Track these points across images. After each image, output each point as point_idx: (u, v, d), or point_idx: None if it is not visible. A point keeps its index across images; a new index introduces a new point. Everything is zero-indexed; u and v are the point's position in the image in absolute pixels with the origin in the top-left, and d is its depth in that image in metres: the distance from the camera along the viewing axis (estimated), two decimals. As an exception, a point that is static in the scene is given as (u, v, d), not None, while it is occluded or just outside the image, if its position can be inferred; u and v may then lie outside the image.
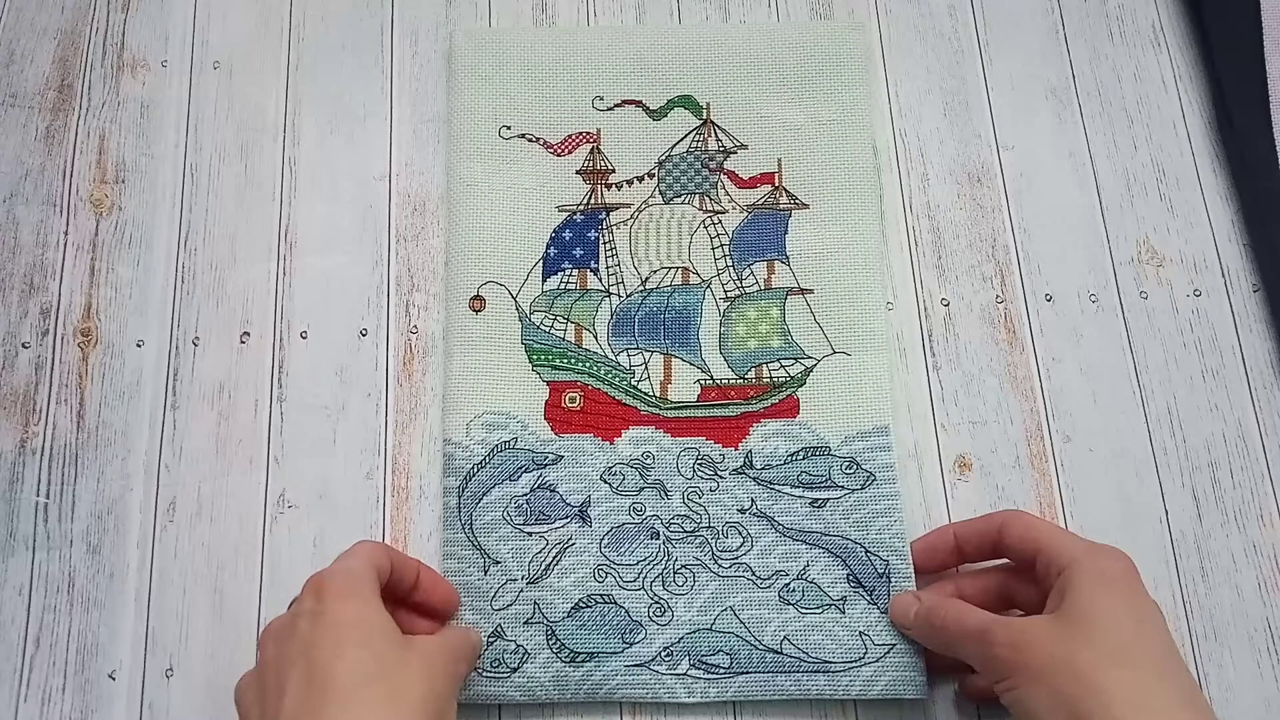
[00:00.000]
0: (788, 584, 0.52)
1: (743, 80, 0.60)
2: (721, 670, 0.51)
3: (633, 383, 0.56)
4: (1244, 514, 0.55)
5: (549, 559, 0.52)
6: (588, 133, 0.59)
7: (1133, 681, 0.41)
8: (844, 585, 0.52)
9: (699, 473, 0.54)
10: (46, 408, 0.55)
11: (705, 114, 0.60)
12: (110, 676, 0.51)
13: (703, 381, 0.56)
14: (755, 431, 0.55)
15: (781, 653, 0.51)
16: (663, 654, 0.51)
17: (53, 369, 0.56)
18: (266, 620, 0.50)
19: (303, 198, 0.60)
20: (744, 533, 0.53)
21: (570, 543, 0.53)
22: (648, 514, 0.53)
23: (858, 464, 0.54)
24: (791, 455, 0.54)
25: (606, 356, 0.56)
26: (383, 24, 0.64)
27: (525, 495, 0.53)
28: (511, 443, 0.54)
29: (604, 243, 0.58)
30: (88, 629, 0.52)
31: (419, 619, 0.50)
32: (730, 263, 0.58)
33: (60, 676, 0.51)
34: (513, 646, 0.51)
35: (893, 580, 0.52)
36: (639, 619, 0.51)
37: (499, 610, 0.51)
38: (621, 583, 0.52)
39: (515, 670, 0.50)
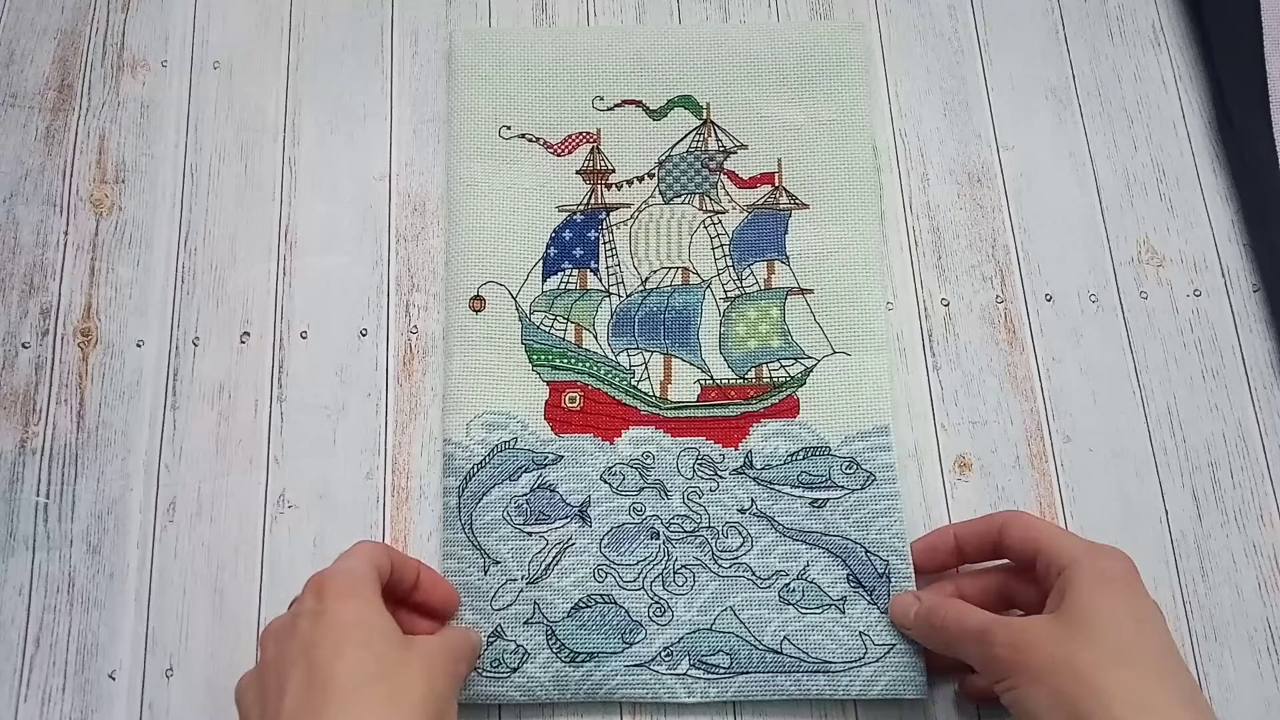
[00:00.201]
0: (788, 584, 0.52)
1: (743, 80, 0.60)
2: (721, 670, 0.51)
3: (633, 383, 0.56)
4: (1244, 514, 0.55)
5: (549, 559, 0.52)
6: (588, 133, 0.59)
7: (1133, 681, 0.41)
8: (844, 585, 0.52)
9: (699, 473, 0.54)
10: (46, 408, 0.55)
11: (705, 114, 0.60)
12: (110, 676, 0.51)
13: (703, 381, 0.56)
14: (755, 431, 0.55)
15: (781, 653, 0.51)
16: (663, 654, 0.51)
17: (53, 369, 0.56)
18: (266, 620, 0.50)
19: (303, 198, 0.60)
20: (744, 533, 0.53)
21: (570, 543, 0.53)
22: (648, 514, 0.53)
23: (858, 464, 0.54)
24: (791, 455, 0.54)
25: (606, 356, 0.56)
26: (383, 24, 0.64)
27: (525, 495, 0.53)
28: (511, 443, 0.54)
29: (604, 243, 0.58)
30: (88, 629, 0.52)
31: (419, 619, 0.50)
32: (730, 263, 0.58)
33: (60, 676, 0.51)
34: (513, 646, 0.51)
35: (893, 580, 0.52)
36: (639, 619, 0.51)
37: (499, 610, 0.51)
38: (621, 583, 0.52)
39: (515, 670, 0.50)
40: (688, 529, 0.53)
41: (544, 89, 0.60)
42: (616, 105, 0.60)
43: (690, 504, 0.53)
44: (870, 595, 0.52)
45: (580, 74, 0.60)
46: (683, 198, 0.59)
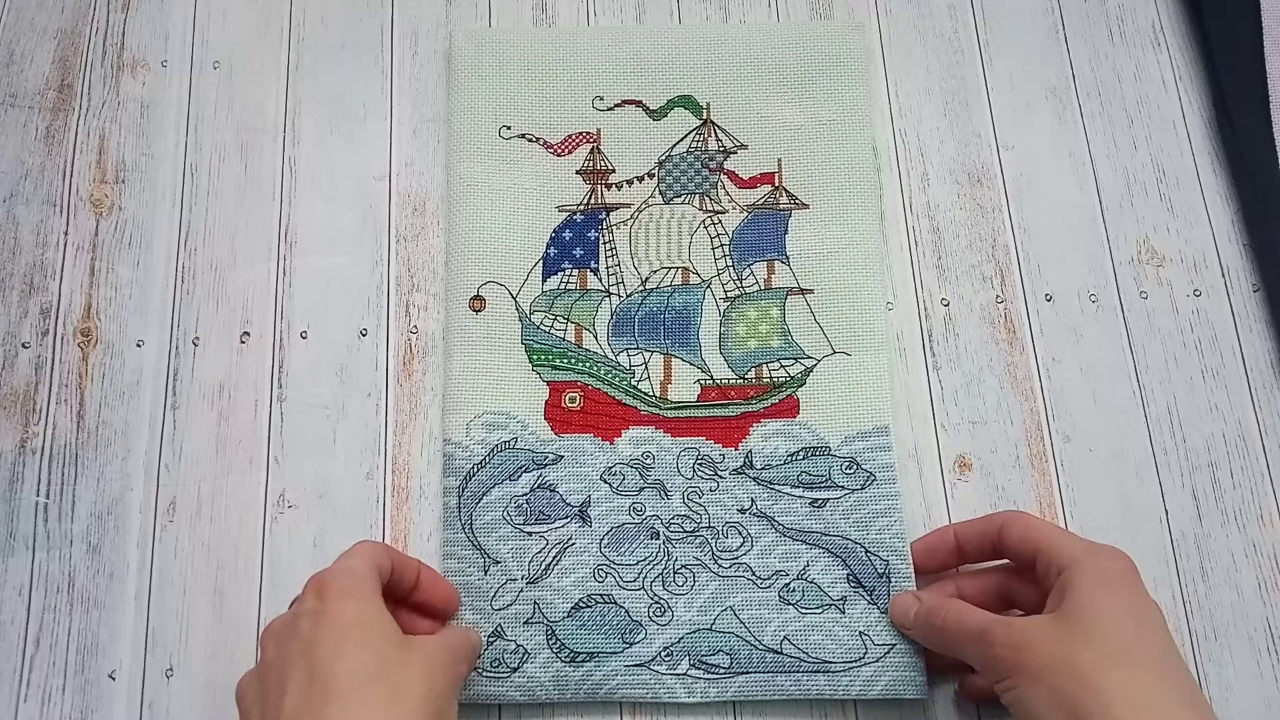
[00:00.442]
0: (788, 584, 0.52)
1: (743, 80, 0.60)
2: (721, 670, 0.51)
3: (633, 383, 0.56)
4: (1244, 514, 0.55)
5: (549, 559, 0.52)
6: (588, 133, 0.59)
7: (1133, 681, 0.41)
8: (844, 585, 0.52)
9: (699, 473, 0.54)
10: (46, 408, 0.55)
11: (705, 114, 0.60)
12: (110, 676, 0.51)
13: (703, 381, 0.56)
14: (755, 431, 0.55)
15: (781, 653, 0.51)
16: (663, 654, 0.51)
17: (53, 369, 0.56)
18: (266, 620, 0.50)
19: (303, 198, 0.60)
20: (744, 533, 0.53)
21: (570, 543, 0.53)
22: (648, 514, 0.53)
23: (858, 464, 0.54)
24: (791, 455, 0.54)
25: (606, 356, 0.56)
26: (383, 24, 0.64)
27: (525, 495, 0.53)
28: (511, 443, 0.54)
29: (604, 243, 0.58)
30: (88, 629, 0.52)
31: (419, 619, 0.50)
32: (730, 263, 0.58)
33: (60, 676, 0.51)
34: (513, 646, 0.51)
35: (893, 580, 0.52)
36: (639, 619, 0.51)
37: (499, 610, 0.51)
38: (621, 583, 0.52)
39: (515, 670, 0.50)
40: (688, 529, 0.53)
41: (544, 89, 0.60)
42: (616, 105, 0.60)
43: (690, 504, 0.53)
44: (870, 595, 0.52)
45: (580, 74, 0.60)
46: (683, 198, 0.59)
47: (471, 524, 0.53)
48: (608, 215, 0.58)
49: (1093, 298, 0.59)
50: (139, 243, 0.59)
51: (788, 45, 0.61)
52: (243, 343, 0.57)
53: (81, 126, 0.61)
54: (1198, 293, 0.59)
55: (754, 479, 0.54)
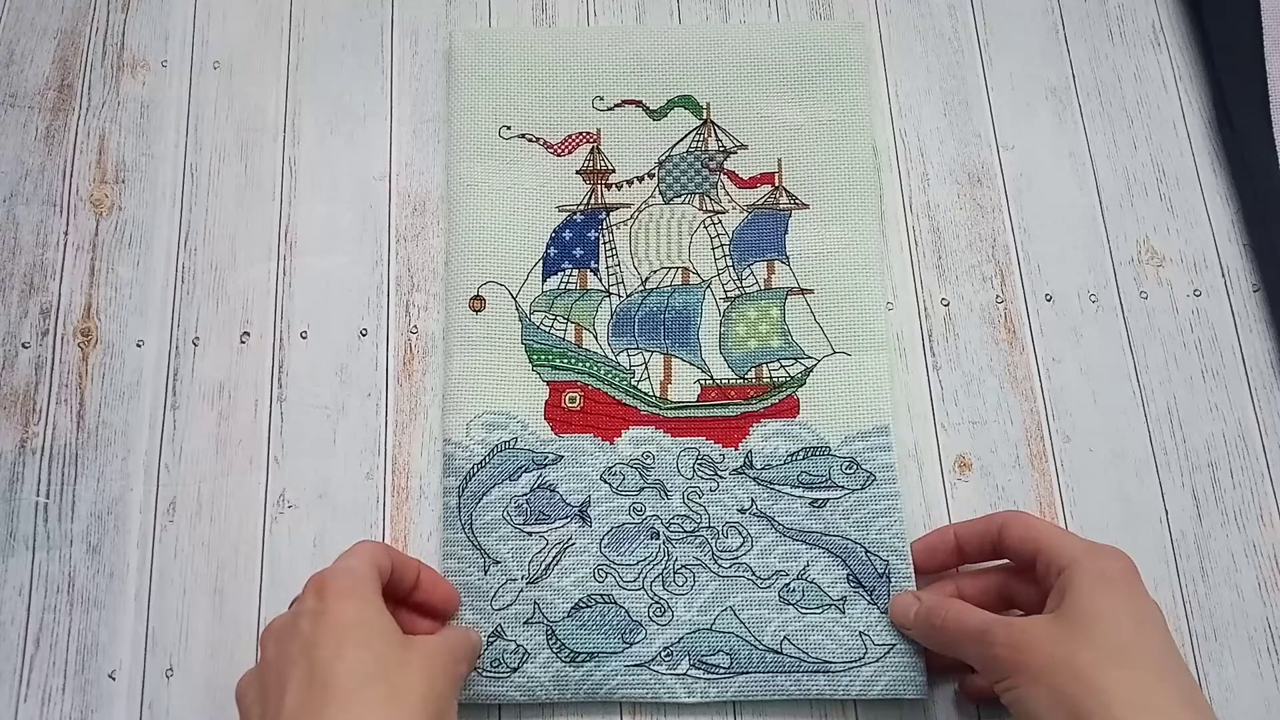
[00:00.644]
0: (788, 584, 0.52)
1: (743, 80, 0.60)
2: (721, 670, 0.51)
3: (633, 383, 0.56)
4: (1244, 514, 0.55)
5: (549, 559, 0.52)
6: (588, 133, 0.59)
7: (1133, 681, 0.41)
8: (844, 585, 0.52)
9: (699, 473, 0.54)
10: (46, 408, 0.55)
11: (705, 114, 0.60)
12: (110, 676, 0.51)
13: (703, 381, 0.56)
14: (755, 431, 0.55)
15: (781, 653, 0.51)
16: (663, 654, 0.51)
17: (53, 369, 0.56)
18: (266, 620, 0.50)
19: (303, 198, 0.60)
20: (744, 533, 0.53)
21: (570, 543, 0.53)
22: (648, 514, 0.53)
23: (858, 464, 0.54)
24: (791, 455, 0.54)
25: (606, 356, 0.56)
26: (383, 24, 0.64)
27: (525, 495, 0.53)
28: (511, 443, 0.54)
29: (604, 243, 0.58)
30: (88, 629, 0.52)
31: (419, 619, 0.50)
32: (730, 263, 0.58)
33: (60, 676, 0.51)
34: (513, 646, 0.51)
35: (893, 580, 0.52)
36: (639, 619, 0.51)
37: (499, 610, 0.51)
38: (621, 583, 0.52)
39: (515, 670, 0.50)
40: (688, 529, 0.53)
41: (544, 89, 0.60)
42: (616, 105, 0.60)
43: (690, 504, 0.53)
44: (870, 595, 0.52)
45: (580, 74, 0.60)
46: (683, 198, 0.59)
47: (471, 524, 0.53)
48: (608, 215, 0.58)
49: (1093, 298, 0.59)
50: (139, 243, 0.59)
51: (788, 45, 0.61)
52: (243, 343, 0.57)
53: (81, 126, 0.61)
54: (1198, 293, 0.59)
55: (754, 479, 0.54)
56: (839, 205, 0.58)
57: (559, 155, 0.59)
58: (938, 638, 0.48)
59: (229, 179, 0.60)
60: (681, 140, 0.59)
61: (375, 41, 0.63)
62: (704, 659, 0.51)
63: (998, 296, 0.59)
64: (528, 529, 0.53)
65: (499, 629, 0.51)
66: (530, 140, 0.59)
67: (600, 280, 0.57)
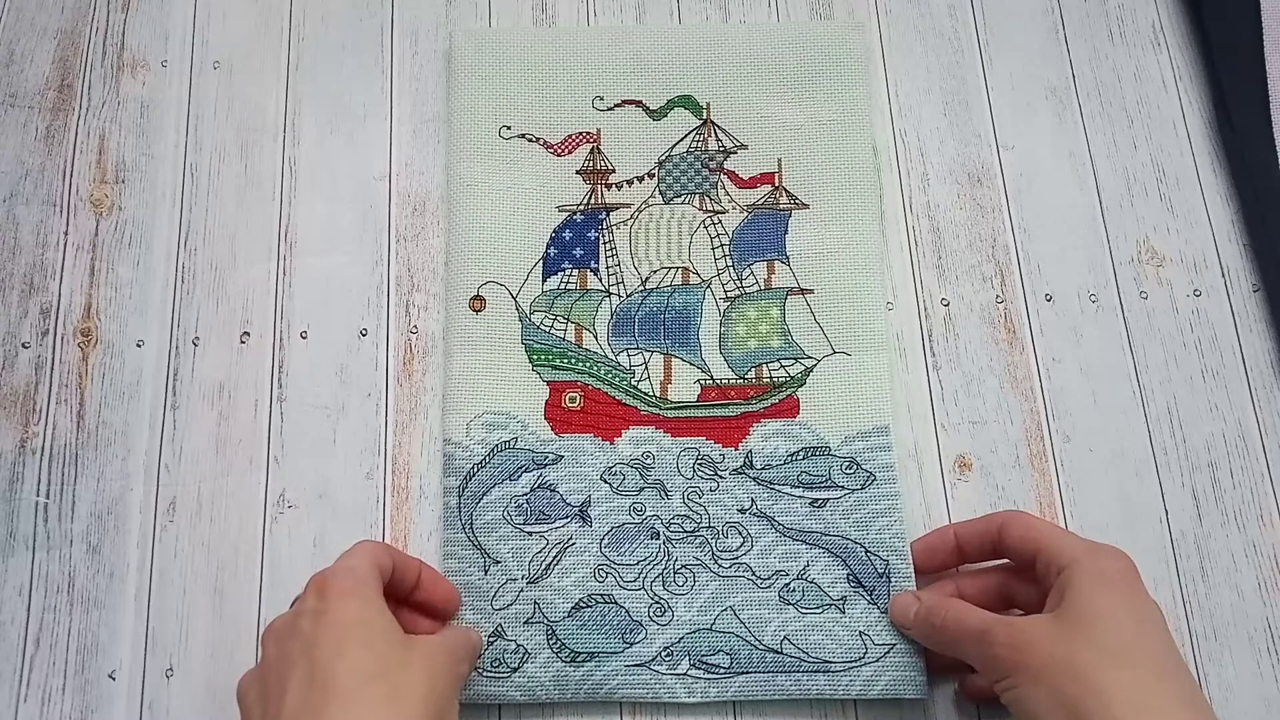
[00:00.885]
0: (788, 584, 0.52)
1: (743, 80, 0.60)
2: (721, 670, 0.51)
3: (633, 383, 0.56)
4: (1244, 514, 0.55)
5: (549, 559, 0.52)
6: (588, 133, 0.59)
7: (1132, 681, 0.41)
8: (844, 585, 0.52)
9: (699, 473, 0.54)
10: (46, 408, 0.55)
11: (705, 114, 0.60)
12: (110, 676, 0.51)
13: (703, 381, 0.56)
14: (755, 431, 0.55)
15: (781, 653, 0.51)
16: (663, 654, 0.51)
17: (53, 369, 0.56)
18: (266, 620, 0.50)
19: (303, 198, 0.60)
20: (744, 533, 0.53)
21: (570, 542, 0.53)
22: (648, 514, 0.53)
23: (858, 464, 0.54)
24: (791, 455, 0.54)
25: (606, 356, 0.56)
26: (383, 24, 0.64)
27: (525, 495, 0.53)
28: (511, 443, 0.54)
29: (604, 243, 0.58)
30: (88, 629, 0.52)
31: (420, 618, 0.50)
32: (730, 263, 0.58)
33: (60, 676, 0.51)
34: (513, 646, 0.51)
35: (893, 580, 0.52)
36: (639, 619, 0.51)
37: (499, 610, 0.51)
38: (622, 583, 0.52)
39: (515, 670, 0.50)
40: (688, 529, 0.53)
41: (544, 89, 0.60)
42: (616, 105, 0.60)
43: (690, 504, 0.53)
44: (870, 595, 0.52)
45: (580, 74, 0.60)
46: (683, 198, 0.59)
47: (472, 524, 0.53)
48: (608, 215, 0.58)
49: (1093, 298, 0.59)
50: (139, 243, 0.59)
51: (788, 45, 0.61)
52: (243, 343, 0.57)
53: (81, 126, 0.61)
54: (1198, 293, 0.59)
55: (754, 479, 0.54)
56: (839, 205, 0.58)
57: (559, 155, 0.59)
58: (938, 638, 0.48)
59: (229, 179, 0.60)
60: (681, 140, 0.59)
61: (375, 41, 0.63)
62: (704, 659, 0.51)
63: (998, 296, 0.59)
64: (528, 529, 0.53)
65: (499, 629, 0.51)
66: (530, 140, 0.59)
67: (600, 280, 0.57)
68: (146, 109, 0.61)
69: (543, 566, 0.52)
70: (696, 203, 0.58)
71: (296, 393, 0.56)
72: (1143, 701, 0.41)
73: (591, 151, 0.59)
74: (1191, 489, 0.55)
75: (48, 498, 0.54)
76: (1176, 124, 0.62)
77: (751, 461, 0.54)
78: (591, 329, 0.56)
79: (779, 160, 0.59)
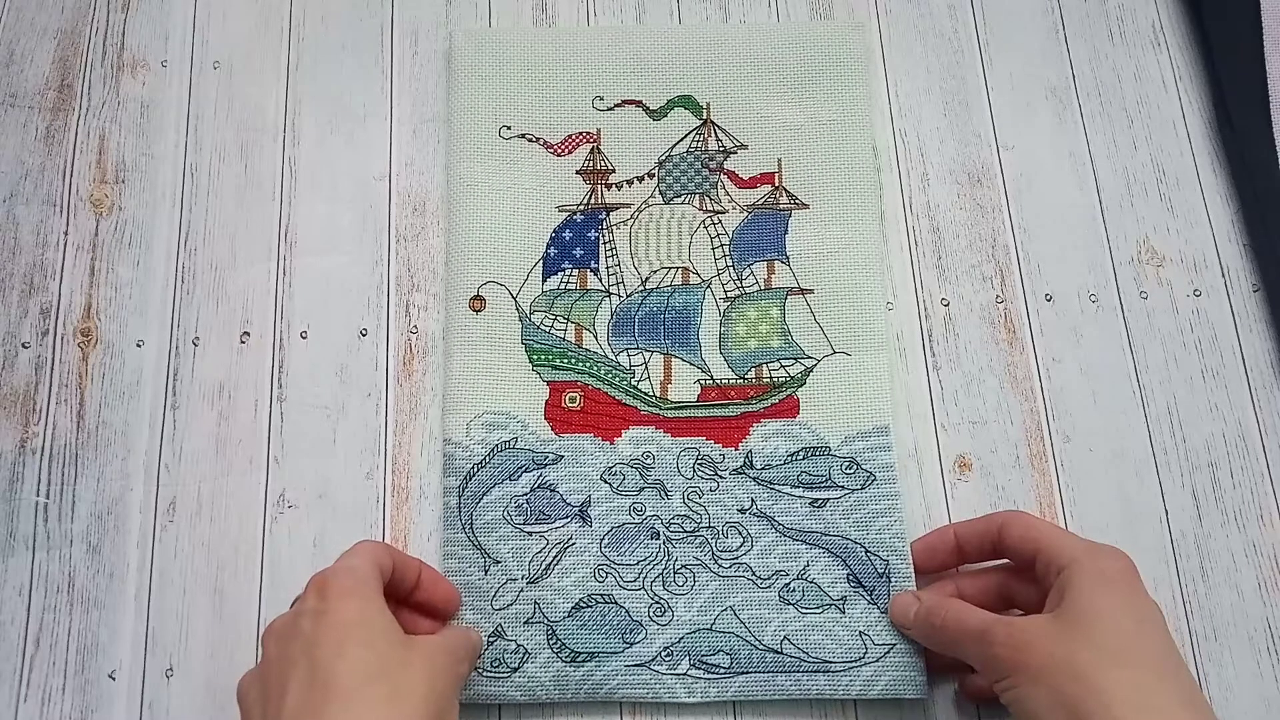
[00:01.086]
0: (788, 584, 0.52)
1: (743, 80, 0.60)
2: (721, 670, 0.51)
3: (633, 383, 0.56)
4: (1244, 514, 0.55)
5: (549, 559, 0.52)
6: (588, 133, 0.59)
7: (1132, 681, 0.41)
8: (844, 585, 0.52)
9: (699, 473, 0.54)
10: (46, 408, 0.55)
11: (705, 114, 0.60)
12: (110, 676, 0.51)
13: (703, 381, 0.56)
14: (755, 431, 0.55)
15: (781, 653, 0.51)
16: (663, 654, 0.51)
17: (53, 369, 0.56)
18: (267, 620, 0.50)
19: (303, 198, 0.60)
20: (744, 533, 0.53)
21: (570, 542, 0.53)
22: (648, 514, 0.53)
23: (858, 464, 0.54)
24: (791, 455, 0.54)
25: (606, 356, 0.56)
26: (383, 24, 0.64)
27: (525, 495, 0.53)
28: (511, 442, 0.54)
29: (604, 243, 0.58)
30: (88, 629, 0.52)
31: (420, 618, 0.50)
32: (730, 263, 0.58)
33: (60, 676, 0.51)
34: (513, 646, 0.51)
35: (893, 580, 0.52)
36: (639, 619, 0.51)
37: (499, 610, 0.51)
38: (622, 583, 0.52)
39: (516, 670, 0.50)
40: (688, 529, 0.53)
41: (544, 89, 0.60)
42: (616, 105, 0.60)
43: (690, 504, 0.53)
44: (870, 595, 0.52)
45: (580, 74, 0.60)
46: (683, 198, 0.59)
47: (472, 524, 0.53)
48: (608, 215, 0.58)
49: (1093, 298, 0.59)
50: (139, 243, 0.59)
51: (788, 45, 0.61)
52: (243, 343, 0.57)
53: (81, 126, 0.61)
54: (1198, 293, 0.59)
55: (754, 479, 0.54)
56: (839, 205, 0.59)
57: (559, 155, 0.59)
58: (938, 637, 0.48)
59: (229, 179, 0.60)
60: (681, 140, 0.59)
61: (375, 41, 0.63)
62: (704, 659, 0.51)
63: (998, 296, 0.59)
64: (528, 529, 0.53)
65: (499, 629, 0.51)
66: (530, 140, 0.59)
67: (600, 280, 0.57)
68: (146, 109, 0.61)
69: (543, 566, 0.52)
70: (696, 203, 0.58)
71: (296, 393, 0.56)
72: (1142, 701, 0.41)
73: (591, 151, 0.59)
74: (1191, 489, 0.55)
75: (48, 498, 0.54)
76: (1176, 124, 0.62)
77: (751, 461, 0.54)
78: (591, 329, 0.56)
79: (779, 160, 0.59)
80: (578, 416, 0.55)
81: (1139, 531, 0.54)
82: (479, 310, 0.56)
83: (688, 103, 0.60)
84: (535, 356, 0.56)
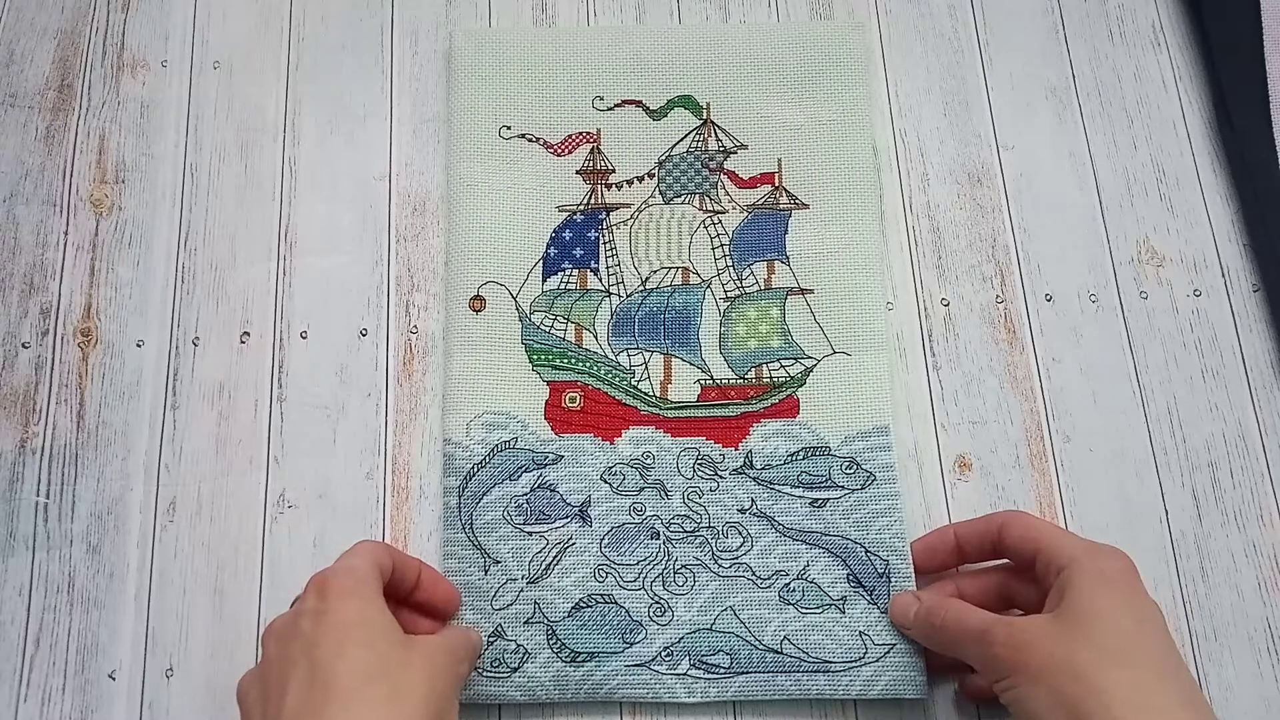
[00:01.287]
0: (788, 584, 0.52)
1: (743, 80, 0.60)
2: (721, 670, 0.51)
3: (633, 383, 0.56)
4: (1244, 514, 0.55)
5: (549, 559, 0.52)
6: (588, 133, 0.59)
7: (1132, 681, 0.41)
8: (844, 585, 0.52)
9: (699, 473, 0.54)
10: (46, 408, 0.55)
11: (705, 114, 0.60)
12: (110, 676, 0.51)
13: (703, 381, 0.56)
14: (755, 431, 0.55)
15: (781, 653, 0.51)
16: (663, 654, 0.51)
17: (53, 369, 0.56)
18: (266, 620, 0.50)
19: (303, 198, 0.60)
20: (744, 533, 0.53)
21: (570, 542, 0.53)
22: (648, 514, 0.53)
23: (858, 464, 0.54)
24: (791, 455, 0.54)
25: (606, 356, 0.56)
26: (383, 24, 0.64)
27: (525, 495, 0.53)
28: (511, 442, 0.54)
29: (604, 243, 0.58)
30: (88, 629, 0.52)
31: (420, 618, 0.50)
32: (730, 263, 0.58)
33: (60, 676, 0.51)
34: (513, 646, 0.51)
35: (893, 580, 0.52)
36: (639, 619, 0.51)
37: (499, 610, 0.51)
38: (622, 583, 0.52)
39: (515, 670, 0.50)
40: (688, 529, 0.53)
41: (544, 89, 0.60)
42: (616, 105, 0.60)
43: (690, 504, 0.53)
44: (870, 595, 0.52)
45: (580, 74, 0.60)
46: (683, 198, 0.59)
47: (472, 524, 0.53)
48: (608, 215, 0.58)
49: (1093, 298, 0.59)
50: (139, 243, 0.59)
51: (788, 45, 0.61)
52: (243, 343, 0.57)
53: (81, 126, 0.61)
54: (1198, 293, 0.59)
55: (754, 479, 0.54)
56: (839, 205, 0.59)
57: (559, 155, 0.59)
58: (938, 637, 0.48)
59: (229, 179, 0.60)
60: (681, 140, 0.59)
61: (375, 41, 0.63)
62: (704, 659, 0.51)
63: (998, 296, 0.59)
64: (528, 529, 0.53)
65: (499, 629, 0.51)
66: (530, 140, 0.59)
67: (600, 280, 0.57)
68: (146, 109, 0.61)
69: (543, 566, 0.52)
70: (696, 203, 0.58)
71: (296, 393, 0.56)
72: (1142, 701, 0.41)
73: (591, 151, 0.59)
74: (1191, 489, 0.55)
75: (48, 498, 0.54)
76: (1176, 124, 0.62)
77: (751, 461, 0.54)
78: (591, 329, 0.56)
79: (779, 160, 0.59)
80: (578, 416, 0.55)
81: (1139, 531, 0.54)
82: (479, 310, 0.56)
83: (688, 103, 0.60)
84: (535, 356, 0.56)
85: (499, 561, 0.52)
